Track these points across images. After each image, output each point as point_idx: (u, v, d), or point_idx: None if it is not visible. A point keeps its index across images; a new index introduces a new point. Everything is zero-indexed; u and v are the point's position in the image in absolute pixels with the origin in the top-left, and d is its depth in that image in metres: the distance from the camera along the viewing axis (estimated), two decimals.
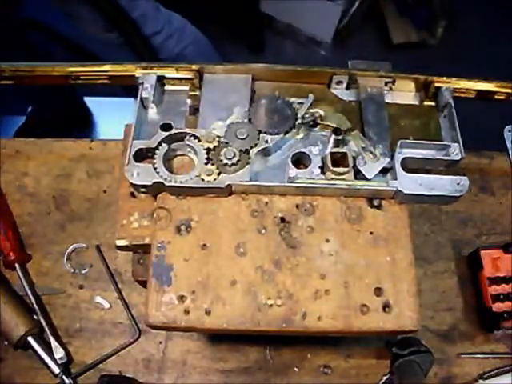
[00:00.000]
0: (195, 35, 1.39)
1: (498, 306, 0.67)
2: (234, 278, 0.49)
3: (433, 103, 0.60)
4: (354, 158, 0.53)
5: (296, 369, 0.68)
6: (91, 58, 1.45)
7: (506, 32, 1.91)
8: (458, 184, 0.52)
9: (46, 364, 0.65)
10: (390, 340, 0.66)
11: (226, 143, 0.53)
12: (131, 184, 0.52)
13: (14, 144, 0.80)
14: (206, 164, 0.52)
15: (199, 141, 0.53)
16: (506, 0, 1.88)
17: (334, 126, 0.56)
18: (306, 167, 0.53)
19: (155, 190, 0.52)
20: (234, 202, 0.53)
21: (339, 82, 0.59)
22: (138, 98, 0.56)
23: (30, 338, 0.65)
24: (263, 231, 0.51)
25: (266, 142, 0.54)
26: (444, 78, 0.59)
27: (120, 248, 0.55)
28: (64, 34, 1.54)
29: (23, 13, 1.33)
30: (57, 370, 0.65)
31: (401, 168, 0.52)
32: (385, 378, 0.67)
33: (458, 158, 0.53)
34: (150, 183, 0.51)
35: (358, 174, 0.53)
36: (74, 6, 1.17)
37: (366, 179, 0.52)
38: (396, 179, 0.52)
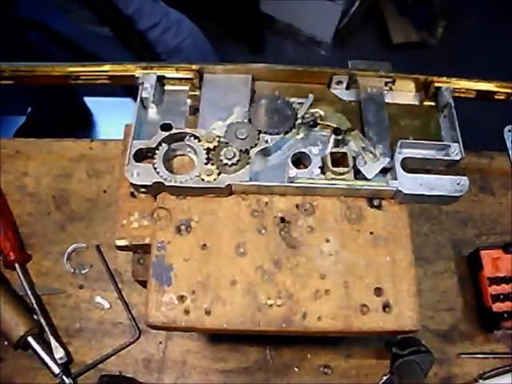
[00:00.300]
0: (192, 29, 1.39)
1: (498, 306, 0.67)
2: (234, 278, 0.49)
3: (433, 103, 0.60)
4: (354, 158, 0.53)
5: (296, 369, 0.68)
6: (90, 58, 1.45)
7: (506, 32, 1.91)
8: (458, 184, 0.52)
9: (46, 364, 0.65)
10: (390, 340, 0.66)
11: (226, 143, 0.53)
12: (131, 184, 0.52)
13: (14, 144, 0.80)
14: (206, 164, 0.52)
15: (199, 141, 0.53)
16: (506, 0, 1.88)
17: (334, 126, 0.56)
18: (306, 167, 0.53)
19: (155, 190, 0.52)
20: (234, 201, 0.53)
21: (339, 82, 0.59)
22: (138, 98, 0.56)
23: (30, 338, 0.65)
24: (263, 231, 0.51)
25: (266, 142, 0.54)
26: (444, 78, 0.59)
27: (120, 248, 0.55)
28: (63, 33, 1.54)
29: (21, 12, 1.33)
30: (57, 370, 0.65)
31: (401, 168, 0.52)
32: (385, 378, 0.67)
33: (458, 158, 0.53)
34: (150, 183, 0.51)
35: (358, 174, 0.53)
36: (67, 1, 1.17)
37: (366, 179, 0.52)
38: (396, 179, 0.52)
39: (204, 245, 0.51)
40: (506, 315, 0.67)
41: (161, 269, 0.50)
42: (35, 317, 0.68)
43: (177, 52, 1.33)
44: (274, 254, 0.50)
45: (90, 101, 1.81)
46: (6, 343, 0.67)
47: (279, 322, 0.48)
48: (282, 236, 0.51)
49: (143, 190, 0.52)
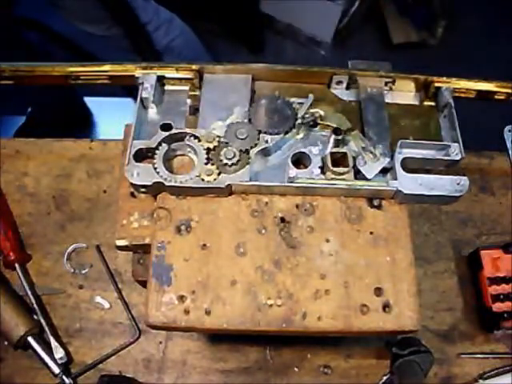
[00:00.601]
0: (182, 28, 1.39)
1: (497, 306, 0.67)
2: (234, 278, 0.49)
3: (433, 103, 0.60)
4: (354, 158, 0.53)
5: (296, 369, 0.68)
6: (90, 58, 1.45)
7: (506, 32, 1.91)
8: (458, 184, 0.52)
9: (46, 364, 0.65)
10: (390, 340, 0.66)
11: (226, 143, 0.53)
12: (131, 184, 0.52)
13: (14, 144, 0.80)
14: (206, 164, 0.52)
15: (199, 141, 0.53)
16: (506, 0, 1.88)
17: (334, 126, 0.56)
18: (306, 167, 0.53)
19: (155, 190, 0.52)
20: (234, 201, 0.53)
21: (339, 82, 0.59)
22: (138, 98, 0.56)
23: (30, 338, 0.65)
24: (263, 231, 0.51)
25: (266, 142, 0.54)
26: (444, 78, 0.59)
27: (120, 248, 0.55)
28: (62, 33, 1.54)
29: (21, 12, 1.33)
30: (57, 370, 0.65)
31: (401, 168, 0.52)
32: (385, 378, 0.67)
33: (458, 158, 0.53)
34: (150, 183, 0.51)
35: (358, 174, 0.53)
36: None
37: (366, 179, 0.52)
38: (396, 179, 0.52)
39: (204, 245, 0.51)
40: (506, 315, 0.67)
41: (161, 269, 0.50)
42: (35, 317, 0.68)
43: (168, 51, 1.33)
44: (274, 254, 0.50)
45: (90, 101, 1.81)
46: (6, 343, 0.67)
47: (279, 322, 0.48)
48: (282, 236, 0.51)
49: (143, 190, 0.52)
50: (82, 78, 0.61)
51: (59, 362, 0.65)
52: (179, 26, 1.38)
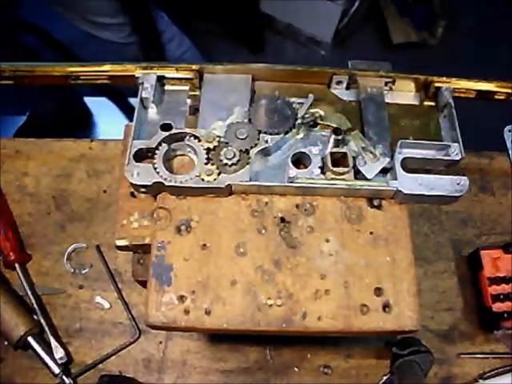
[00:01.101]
0: (189, 42, 1.39)
1: (497, 306, 0.67)
2: (234, 278, 0.49)
3: (433, 103, 0.60)
4: (354, 158, 0.53)
5: (296, 369, 0.68)
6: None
7: (506, 32, 1.91)
8: (458, 184, 0.52)
9: (46, 364, 0.65)
10: (390, 340, 0.66)
11: (226, 143, 0.53)
12: (131, 184, 0.52)
13: (14, 144, 0.80)
14: (206, 164, 0.52)
15: (199, 141, 0.53)
16: (506, 0, 1.88)
17: (334, 126, 0.56)
18: (306, 167, 0.53)
19: (155, 190, 0.52)
20: (233, 201, 0.53)
21: (339, 82, 0.59)
22: (138, 98, 0.56)
23: (30, 338, 0.65)
24: (263, 231, 0.51)
25: (266, 141, 0.54)
26: (444, 78, 0.59)
27: (120, 248, 0.55)
28: (62, 40, 1.53)
29: (20, 15, 1.33)
30: (57, 370, 0.65)
31: (401, 168, 0.52)
32: (385, 378, 0.67)
33: (458, 158, 0.53)
34: (150, 183, 0.51)
35: (358, 174, 0.53)
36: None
37: (366, 179, 0.52)
38: (396, 179, 0.52)
39: (204, 245, 0.51)
40: (506, 315, 0.67)
41: (161, 269, 0.50)
42: (35, 317, 0.68)
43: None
44: (274, 254, 0.50)
45: (90, 101, 1.81)
46: (6, 343, 0.67)
47: (279, 322, 0.48)
48: (282, 236, 0.51)
49: (143, 190, 0.52)
50: (81, 77, 0.61)
51: (59, 361, 0.65)
52: (187, 40, 1.37)
